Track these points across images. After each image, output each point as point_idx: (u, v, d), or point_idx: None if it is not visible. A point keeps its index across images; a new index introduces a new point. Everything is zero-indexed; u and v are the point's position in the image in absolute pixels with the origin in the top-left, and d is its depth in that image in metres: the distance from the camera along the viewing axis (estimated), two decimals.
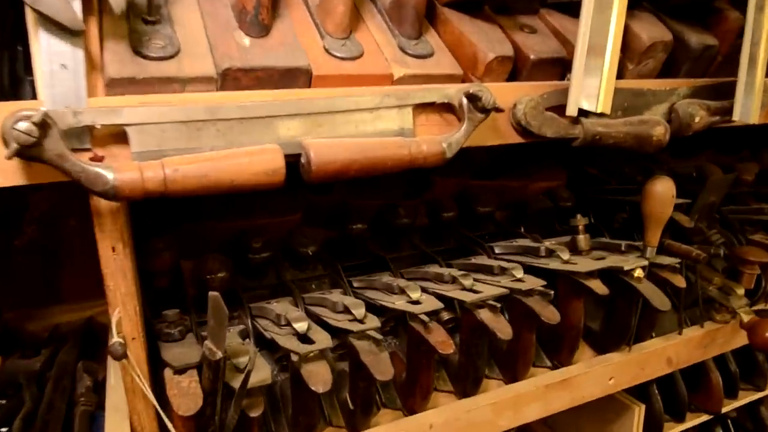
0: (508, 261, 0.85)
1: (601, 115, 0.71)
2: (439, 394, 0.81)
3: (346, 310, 0.70)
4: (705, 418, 1.12)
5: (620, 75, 0.76)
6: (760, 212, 1.12)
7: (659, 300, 0.80)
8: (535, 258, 0.87)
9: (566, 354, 0.85)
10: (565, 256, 0.83)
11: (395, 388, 0.80)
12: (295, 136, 0.57)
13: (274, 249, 0.84)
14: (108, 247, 0.56)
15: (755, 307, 1.02)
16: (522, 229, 0.99)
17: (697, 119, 0.76)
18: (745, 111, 0.80)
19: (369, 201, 0.93)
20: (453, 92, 0.63)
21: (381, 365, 0.64)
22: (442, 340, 0.68)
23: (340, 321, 0.70)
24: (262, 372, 0.61)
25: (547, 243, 0.89)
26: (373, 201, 0.93)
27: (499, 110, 0.62)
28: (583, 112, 0.70)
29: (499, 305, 0.73)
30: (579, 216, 0.91)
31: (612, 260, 0.86)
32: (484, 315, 0.72)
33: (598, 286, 0.78)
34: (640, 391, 1.05)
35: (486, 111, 0.62)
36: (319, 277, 0.89)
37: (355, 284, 0.84)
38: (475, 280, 0.80)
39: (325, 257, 0.89)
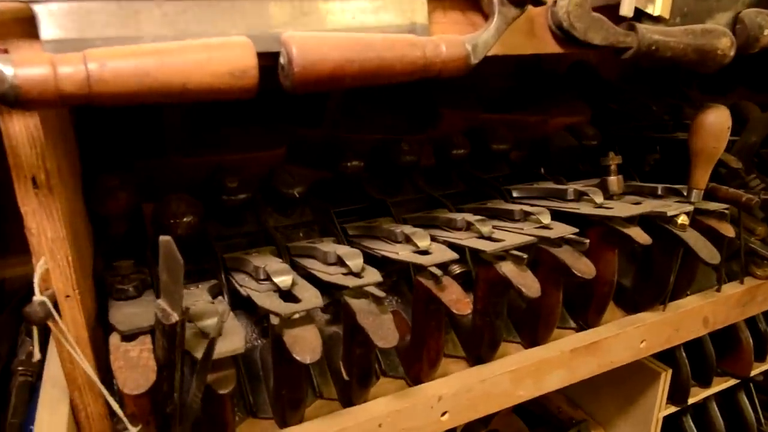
0: (531, 206, 0.72)
1: (658, 20, 0.57)
2: (448, 360, 0.69)
3: (340, 262, 0.58)
4: (732, 382, 1.02)
5: None
6: None
7: (707, 251, 0.68)
8: (562, 202, 0.74)
9: (594, 314, 0.73)
10: (599, 199, 0.70)
11: (397, 354, 0.67)
12: (272, 28, 0.43)
13: (253, 190, 0.70)
14: (25, 178, 0.42)
15: None
16: (542, 171, 0.85)
17: (767, 32, 0.62)
18: None
19: (366, 135, 0.79)
20: None
21: (382, 329, 0.52)
22: (456, 298, 0.56)
23: (333, 275, 0.57)
24: (234, 339, 0.48)
25: (582, 185, 0.76)
26: (371, 135, 0.79)
27: (539, 3, 0.48)
28: (636, 16, 0.56)
29: (525, 256, 0.60)
30: (611, 154, 0.78)
31: (652, 205, 0.73)
32: (507, 268, 0.60)
33: (638, 235, 0.66)
34: (666, 354, 0.94)
35: (522, 3, 0.47)
36: (307, 224, 0.75)
37: (351, 232, 0.71)
38: (494, 227, 0.68)
39: (314, 200, 0.75)
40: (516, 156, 0.91)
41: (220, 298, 0.60)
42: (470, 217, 0.65)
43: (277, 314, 0.49)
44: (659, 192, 0.78)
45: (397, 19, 0.46)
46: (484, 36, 0.47)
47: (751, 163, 1.00)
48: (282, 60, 0.42)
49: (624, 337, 0.74)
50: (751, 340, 0.99)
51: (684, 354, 0.93)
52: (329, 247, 0.61)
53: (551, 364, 0.69)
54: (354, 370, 0.58)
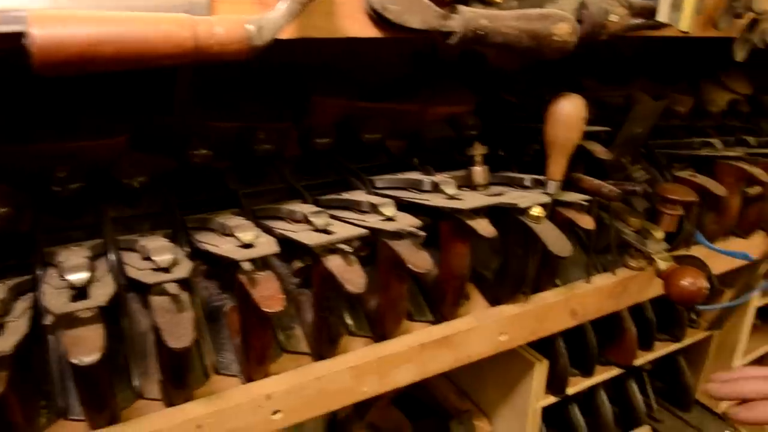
0: (386, 197, 0.70)
1: (491, 4, 0.54)
2: (291, 357, 0.67)
3: (148, 259, 0.54)
4: (616, 371, 1.02)
5: None
6: (690, 146, 0.98)
7: (559, 244, 0.66)
8: (419, 193, 0.71)
9: (449, 307, 0.72)
10: (451, 190, 0.67)
11: (234, 350, 0.64)
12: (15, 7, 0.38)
13: (90, 180, 0.66)
14: None
15: (675, 253, 0.90)
16: (416, 161, 0.83)
17: (613, 18, 0.60)
18: (676, 15, 0.65)
19: (219, 123, 0.75)
20: None
21: (178, 328, 0.49)
22: (269, 294, 0.53)
23: (142, 270, 0.54)
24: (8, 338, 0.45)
25: (439, 176, 0.73)
26: (225, 123, 0.75)
27: None
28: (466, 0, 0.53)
29: (350, 250, 0.57)
30: (476, 144, 0.76)
31: (509, 197, 0.71)
32: (333, 263, 0.57)
33: (483, 227, 0.64)
34: (546, 344, 0.93)
35: None
36: (154, 216, 0.71)
37: (189, 225, 0.67)
38: (339, 218, 0.65)
39: (159, 192, 0.71)
40: (395, 146, 0.88)
41: (28, 294, 0.56)
42: (308, 209, 0.62)
43: (52, 313, 0.46)
44: (526, 183, 0.76)
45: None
46: (271, 16, 0.44)
47: (639, 154, 1.00)
48: (26, 40, 0.38)
49: (481, 330, 0.73)
50: (634, 330, 0.99)
51: (563, 344, 0.93)
52: (155, 242, 0.58)
53: (398, 359, 0.67)
54: (167, 370, 0.55)
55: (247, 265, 0.54)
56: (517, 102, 1.00)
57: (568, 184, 0.78)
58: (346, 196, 0.71)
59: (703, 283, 0.79)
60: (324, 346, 0.65)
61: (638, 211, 0.89)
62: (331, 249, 0.58)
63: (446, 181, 0.69)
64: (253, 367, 0.60)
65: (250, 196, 0.73)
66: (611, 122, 0.91)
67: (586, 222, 0.71)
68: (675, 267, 0.82)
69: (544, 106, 0.81)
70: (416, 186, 0.71)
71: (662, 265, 0.83)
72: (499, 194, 0.74)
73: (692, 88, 1.27)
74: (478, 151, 0.75)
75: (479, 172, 0.75)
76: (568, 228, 0.73)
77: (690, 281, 0.79)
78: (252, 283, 0.53)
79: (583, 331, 0.96)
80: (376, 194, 0.73)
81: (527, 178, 0.76)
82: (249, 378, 0.62)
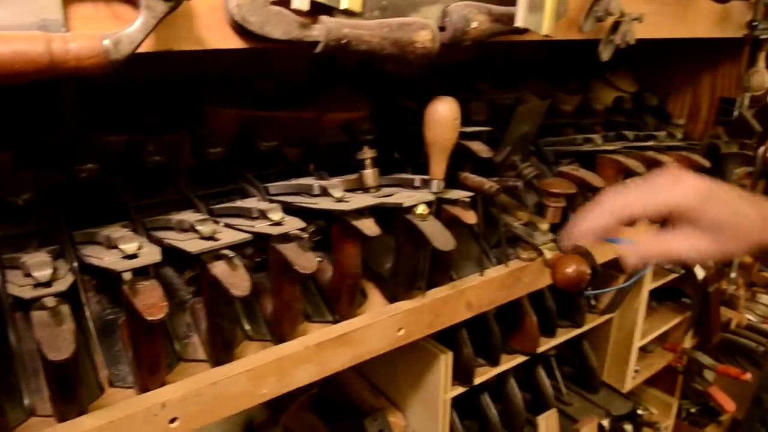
0: (279, 202, 0.72)
1: (352, 14, 0.58)
2: (190, 364, 0.68)
3: (29, 275, 0.54)
4: (522, 358, 1.08)
5: None
6: (574, 143, 1.05)
7: (442, 239, 0.70)
8: (309, 198, 0.74)
9: (345, 306, 0.74)
10: (338, 193, 0.70)
11: (128, 362, 0.65)
12: None
13: None
14: None
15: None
16: (312, 167, 0.85)
17: (474, 24, 0.64)
18: (535, 19, 0.70)
19: (110, 137, 0.75)
20: None
21: (57, 341, 0.49)
22: (152, 303, 0.54)
23: (23, 287, 0.54)
24: None
25: (329, 180, 0.76)
26: (116, 137, 0.76)
27: None
28: (326, 9, 0.56)
29: (232, 255, 0.59)
30: (366, 148, 0.79)
31: (397, 197, 0.75)
32: (218, 268, 0.59)
33: (368, 227, 0.67)
34: (451, 336, 0.97)
35: None
36: (42, 233, 0.71)
37: (77, 239, 0.67)
38: (231, 226, 0.67)
39: (48, 208, 0.71)
40: (294, 153, 0.90)
41: None
42: (194, 218, 0.63)
43: None
44: (416, 183, 0.80)
45: (20, 18, 0.43)
46: (128, 31, 0.45)
47: (528, 152, 1.06)
48: None
49: (378, 327, 0.76)
50: (535, 319, 1.05)
51: (466, 335, 0.97)
52: (30, 257, 0.58)
53: (296, 360, 0.69)
54: (53, 385, 0.55)
55: (127, 275, 0.54)
56: (417, 107, 1.04)
57: (455, 182, 0.83)
58: (238, 203, 0.73)
59: (585, 269, 0.85)
60: (220, 352, 0.66)
61: (526, 205, 0.95)
62: (217, 255, 0.60)
63: (334, 185, 0.71)
64: (146, 376, 0.61)
65: (143, 208, 0.73)
66: (502, 123, 0.97)
67: (470, 217, 0.76)
68: (560, 256, 0.87)
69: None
70: (306, 191, 0.74)
71: (548, 254, 0.88)
72: (389, 195, 0.77)
73: (582, 87, 1.36)
74: (368, 155, 0.78)
75: (369, 174, 0.79)
76: (455, 224, 0.77)
77: (573, 268, 0.85)
78: (134, 293, 0.54)
79: (486, 322, 1.01)
80: (270, 200, 0.75)
81: (417, 179, 0.80)
82: (144, 388, 0.62)
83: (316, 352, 0.71)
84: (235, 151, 0.84)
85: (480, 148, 0.82)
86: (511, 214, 0.92)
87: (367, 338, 0.75)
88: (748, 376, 1.38)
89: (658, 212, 0.62)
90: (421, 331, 0.81)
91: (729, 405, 1.41)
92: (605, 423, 1.31)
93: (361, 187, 0.80)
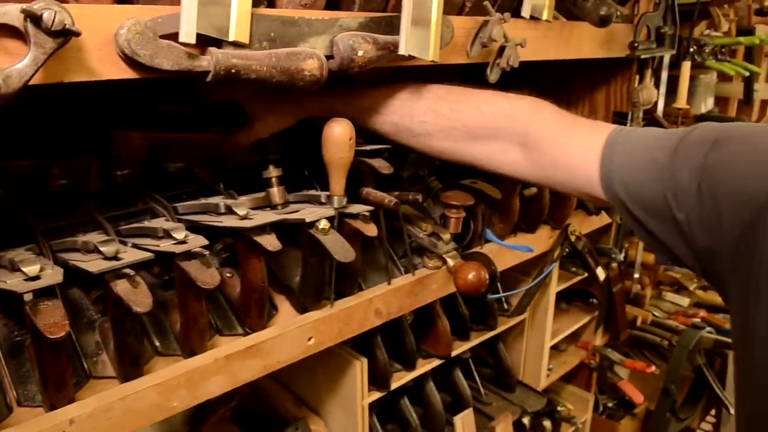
0: (187, 221, 0.75)
1: (241, 45, 0.62)
2: (100, 381, 0.70)
3: None
4: (438, 362, 1.13)
5: (272, 4, 0.69)
6: None
7: (342, 252, 0.75)
8: (216, 216, 0.77)
9: (255, 319, 0.78)
10: (242, 211, 0.74)
11: (35, 382, 0.66)
12: None
13: None
14: None
15: (468, 252, 1.03)
16: (221, 186, 0.89)
17: (360, 53, 0.70)
18: (421, 45, 0.76)
19: (14, 162, 0.77)
20: (14, 11, 0.50)
21: None
22: (54, 322, 0.56)
23: None
24: None
25: (236, 199, 0.80)
26: (20, 161, 0.77)
27: (75, 33, 0.50)
28: (215, 41, 0.61)
29: (133, 273, 0.62)
30: (271, 167, 0.84)
31: (302, 213, 0.80)
32: (120, 287, 0.61)
33: (269, 242, 0.71)
34: (367, 343, 1.02)
35: (57, 34, 0.49)
36: None
37: None
38: (138, 246, 0.70)
39: None
40: (204, 173, 0.94)
41: None
42: (98, 239, 0.66)
43: None
44: (322, 199, 0.85)
45: None
46: (18, 67, 0.49)
47: (434, 167, 1.12)
48: None
49: (288, 337, 0.80)
50: (446, 324, 1.11)
51: (380, 342, 1.02)
52: None
53: (206, 372, 0.72)
54: None
55: (29, 296, 0.57)
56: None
57: (359, 198, 0.88)
58: (144, 224, 0.75)
59: (484, 275, 0.92)
60: (128, 368, 0.68)
61: (432, 217, 1.01)
62: (119, 275, 0.63)
63: (238, 203, 0.75)
64: (54, 394, 0.63)
65: (51, 231, 0.75)
66: None
67: (371, 230, 0.81)
68: (461, 263, 0.94)
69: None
70: (213, 210, 0.77)
71: (451, 262, 0.94)
72: (295, 211, 0.81)
73: None
74: (273, 173, 0.83)
75: (276, 192, 0.83)
76: (358, 237, 0.82)
77: (473, 274, 0.92)
78: (36, 313, 0.57)
79: (400, 328, 1.06)
80: (179, 220, 0.78)
81: (323, 195, 0.85)
82: (52, 406, 0.64)
83: (225, 363, 0.74)
84: (146, 172, 0.87)
85: (381, 165, 0.88)
86: (416, 226, 0.98)
87: (278, 348, 0.79)
88: (653, 368, 1.49)
89: None
90: (332, 339, 0.86)
91: (638, 397, 1.52)
92: (526, 421, 1.38)
93: (268, 204, 0.84)
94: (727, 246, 0.63)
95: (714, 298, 1.90)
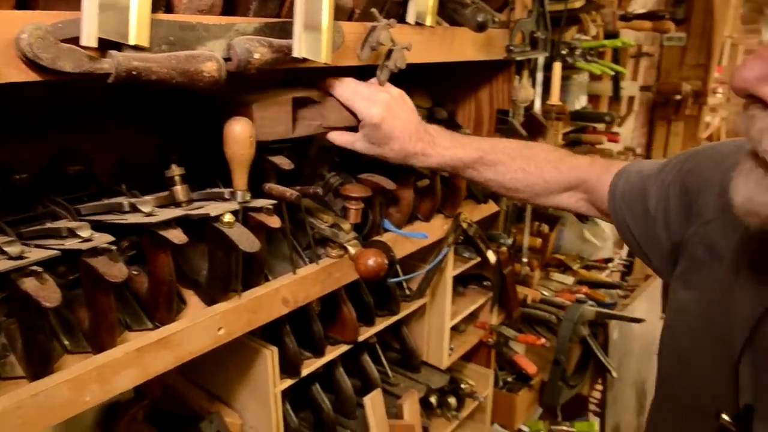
0: (90, 221, 0.77)
1: (142, 49, 0.66)
2: (10, 382, 0.70)
3: None
4: (345, 348, 1.19)
5: (170, 9, 0.72)
6: None
7: (247, 243, 0.80)
8: (120, 215, 0.79)
9: (164, 312, 0.81)
10: (147, 209, 0.77)
11: None
12: None
13: None
14: None
15: (370, 240, 1.11)
16: (125, 187, 0.90)
17: (256, 56, 0.75)
18: (314, 48, 0.82)
19: None
20: None
21: None
22: None
23: None
24: None
25: (140, 198, 0.82)
26: None
27: None
28: (116, 45, 0.64)
29: (41, 270, 0.64)
30: (173, 166, 0.86)
31: (207, 208, 0.83)
32: (28, 284, 0.63)
33: (175, 236, 0.75)
34: (277, 332, 1.07)
35: None
36: None
37: None
38: (43, 246, 0.71)
39: None
40: (109, 174, 0.95)
41: None
42: (1, 241, 0.67)
43: None
44: (226, 195, 0.88)
45: None
46: None
47: (335, 163, 1.19)
48: None
49: (198, 328, 0.83)
50: (352, 310, 1.17)
51: (289, 330, 1.07)
52: None
53: (117, 366, 0.75)
54: None
55: None
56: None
57: (263, 193, 0.93)
58: (47, 225, 0.76)
59: (383, 260, 1.00)
60: (37, 366, 0.69)
61: (331, 209, 1.08)
62: (26, 273, 0.64)
63: (143, 201, 0.78)
64: None
65: None
66: (310, 138, 1.09)
67: (274, 222, 0.86)
68: (361, 250, 1.01)
69: None
70: (117, 209, 0.80)
71: (352, 250, 1.01)
72: (199, 207, 0.85)
73: None
74: (176, 172, 0.86)
75: (179, 190, 0.86)
76: (262, 229, 0.87)
77: (373, 259, 0.99)
78: None
79: (308, 316, 1.12)
80: (82, 220, 0.79)
81: (226, 192, 0.89)
82: None
83: (137, 357, 0.76)
84: (45, 176, 0.87)
85: (282, 161, 0.93)
86: (318, 218, 1.03)
87: (187, 340, 0.82)
88: (542, 341, 1.63)
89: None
90: (241, 329, 0.90)
91: (531, 369, 1.65)
92: (433, 399, 1.48)
93: (173, 203, 0.87)
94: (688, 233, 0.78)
95: (595, 275, 2.10)
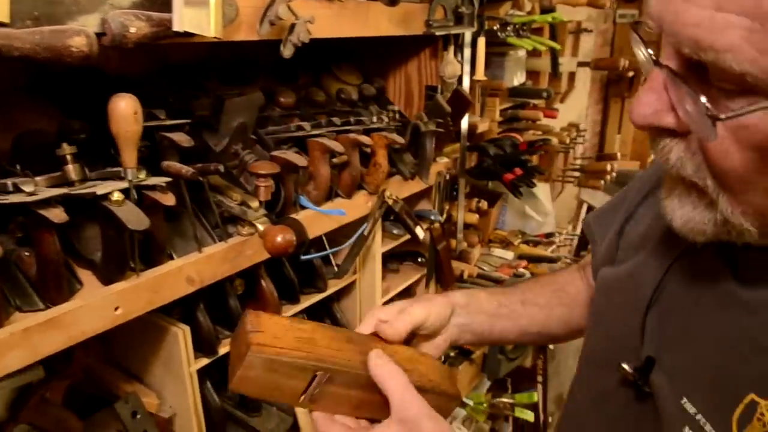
0: None
1: (3, 24, 0.64)
2: None
3: None
4: None
5: None
6: (288, 130, 1.20)
7: (135, 221, 0.79)
8: (4, 195, 0.78)
9: (54, 293, 0.80)
10: (28, 188, 0.76)
11: None
12: None
13: None
14: None
15: (284, 217, 1.11)
16: (19, 168, 0.89)
17: (132, 30, 0.74)
18: (200, 22, 0.81)
19: None
20: None
21: None
22: None
23: None
24: None
25: (37, 178, 0.81)
26: None
27: None
28: None
29: None
30: (65, 145, 0.85)
31: (98, 188, 0.82)
32: None
33: (55, 215, 0.74)
34: (188, 312, 1.07)
35: None
36: None
37: None
38: None
39: None
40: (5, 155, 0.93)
41: None
42: None
43: None
44: (122, 174, 0.87)
45: None
46: None
47: (249, 141, 1.18)
48: None
49: (92, 308, 0.82)
50: (272, 287, 1.18)
51: (203, 308, 1.07)
52: None
53: (3, 347, 0.74)
54: None
55: None
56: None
57: (161, 171, 0.92)
58: None
59: (290, 236, 1.00)
60: None
61: (240, 187, 1.07)
62: None
63: (26, 181, 0.77)
64: None
65: None
66: (219, 113, 1.08)
67: (168, 199, 0.85)
68: (269, 227, 1.01)
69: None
70: (3, 189, 0.78)
71: (261, 227, 1.01)
72: (91, 186, 0.84)
73: (314, 81, 1.52)
74: (67, 150, 0.84)
75: (72, 170, 0.85)
76: (158, 207, 0.86)
77: (280, 236, 0.99)
78: None
79: (224, 295, 1.12)
80: None
81: (123, 171, 0.88)
82: None
83: (24, 337, 0.76)
84: None
85: (181, 138, 0.93)
86: (227, 196, 1.03)
87: (82, 320, 0.82)
88: None
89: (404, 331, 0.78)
90: (142, 308, 0.89)
91: None
92: None
93: (66, 182, 0.85)
94: None
95: (535, 250, 2.14)
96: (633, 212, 0.78)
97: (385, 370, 0.68)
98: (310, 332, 0.72)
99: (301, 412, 1.23)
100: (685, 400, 0.56)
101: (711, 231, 0.52)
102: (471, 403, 1.95)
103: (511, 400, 1.92)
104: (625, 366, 0.62)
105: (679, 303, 0.61)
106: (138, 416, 1.05)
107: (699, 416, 0.54)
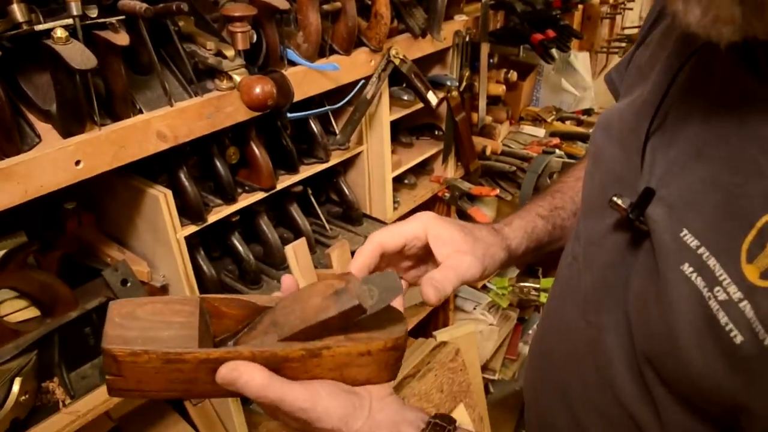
0: None
1: None
2: None
3: None
4: (262, 195, 1.13)
5: None
6: None
7: (80, 59, 0.71)
8: None
9: (4, 143, 0.74)
10: None
11: None
12: None
13: None
14: None
15: (268, 70, 1.00)
16: None
17: None
18: None
19: None
20: None
21: None
22: None
23: None
24: None
25: None
26: None
27: None
28: None
29: None
30: None
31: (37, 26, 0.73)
32: None
33: None
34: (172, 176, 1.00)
35: None
36: None
37: None
38: None
39: None
40: None
41: None
42: None
43: None
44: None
45: None
46: None
47: None
48: None
49: (49, 160, 0.76)
50: (265, 154, 1.10)
51: (184, 174, 1.00)
52: None
53: None
54: None
55: None
56: None
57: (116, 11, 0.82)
58: None
59: (270, 88, 0.90)
60: None
61: (216, 35, 0.96)
62: None
63: None
64: None
65: None
66: None
67: (121, 39, 0.76)
68: (247, 78, 0.91)
69: None
70: None
71: (238, 78, 0.91)
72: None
73: None
74: None
75: (15, 9, 0.76)
76: (114, 50, 0.77)
77: (258, 87, 0.89)
78: None
79: (212, 161, 1.05)
80: None
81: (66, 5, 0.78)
82: None
83: None
84: None
85: None
86: (200, 46, 0.93)
87: (38, 173, 0.76)
88: (496, 191, 1.55)
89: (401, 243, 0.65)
90: (107, 164, 0.83)
91: (483, 218, 1.58)
92: None
93: (12, 25, 0.77)
94: None
95: (570, 127, 1.97)
96: (645, 37, 0.65)
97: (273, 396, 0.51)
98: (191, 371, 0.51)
99: (290, 256, 1.17)
100: (685, 231, 0.46)
101: (739, 15, 0.39)
102: (494, 287, 1.89)
103: (536, 285, 1.85)
104: (617, 200, 0.51)
105: (685, 118, 0.50)
106: (128, 284, 1.01)
107: (701, 249, 0.44)
